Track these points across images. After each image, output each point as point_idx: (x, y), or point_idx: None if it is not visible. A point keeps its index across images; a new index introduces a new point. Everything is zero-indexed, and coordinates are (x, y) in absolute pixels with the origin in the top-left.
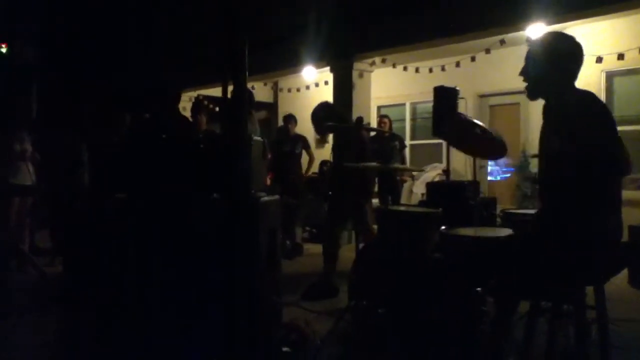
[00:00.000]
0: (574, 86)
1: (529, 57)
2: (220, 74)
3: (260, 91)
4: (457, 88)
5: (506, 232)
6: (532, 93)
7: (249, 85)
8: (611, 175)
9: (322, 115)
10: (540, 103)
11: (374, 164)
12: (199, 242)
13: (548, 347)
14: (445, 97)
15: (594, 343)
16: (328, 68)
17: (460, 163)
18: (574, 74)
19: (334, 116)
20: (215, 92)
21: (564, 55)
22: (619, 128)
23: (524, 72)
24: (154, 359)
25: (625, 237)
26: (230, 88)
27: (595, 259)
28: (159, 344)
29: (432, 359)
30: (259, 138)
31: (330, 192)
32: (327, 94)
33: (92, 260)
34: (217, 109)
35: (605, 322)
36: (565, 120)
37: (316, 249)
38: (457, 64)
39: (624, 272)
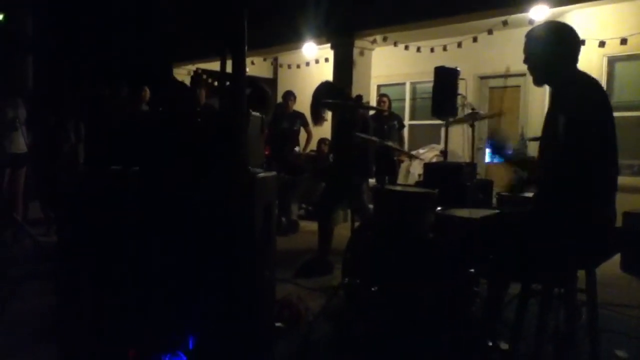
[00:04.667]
0: (576, 70)
1: (529, 47)
2: (219, 47)
3: (260, 66)
4: (458, 69)
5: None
6: (537, 80)
7: (249, 60)
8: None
9: (322, 96)
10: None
11: (372, 138)
12: (194, 217)
13: (538, 328)
14: (445, 77)
15: (584, 326)
16: (329, 45)
17: (458, 145)
18: (574, 58)
19: (335, 93)
20: (215, 66)
21: (561, 41)
22: (620, 114)
23: (526, 61)
24: (146, 331)
25: (618, 222)
26: (229, 62)
27: (588, 244)
28: (152, 316)
29: (424, 338)
30: (257, 114)
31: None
32: (327, 71)
33: (87, 232)
34: (216, 83)
35: (595, 306)
36: (566, 105)
37: (312, 226)
38: (459, 45)
39: (616, 257)
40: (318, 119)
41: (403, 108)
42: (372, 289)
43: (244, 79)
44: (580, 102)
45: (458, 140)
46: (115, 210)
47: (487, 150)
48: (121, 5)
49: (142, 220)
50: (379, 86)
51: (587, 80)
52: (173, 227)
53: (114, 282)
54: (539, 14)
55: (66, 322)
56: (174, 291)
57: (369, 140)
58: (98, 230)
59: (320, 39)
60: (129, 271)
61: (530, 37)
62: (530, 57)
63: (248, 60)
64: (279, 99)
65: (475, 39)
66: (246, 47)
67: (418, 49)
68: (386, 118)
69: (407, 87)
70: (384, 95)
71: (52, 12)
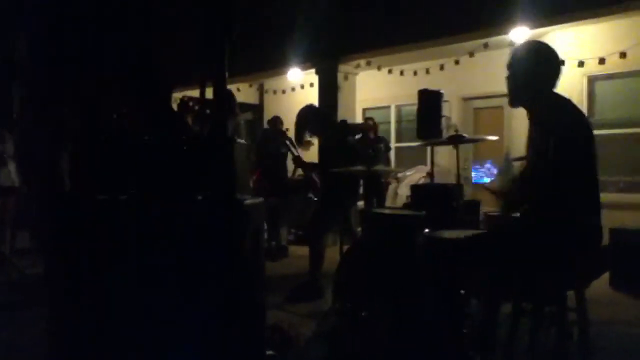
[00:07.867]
0: (553, 93)
1: (512, 64)
2: (200, 73)
3: (245, 92)
4: (441, 91)
5: None
6: (513, 100)
7: (234, 86)
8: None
9: (306, 121)
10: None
11: (359, 167)
12: (181, 245)
13: (530, 347)
14: (429, 99)
15: (575, 344)
16: (313, 70)
17: (445, 166)
18: (553, 81)
19: (320, 118)
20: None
21: (542, 61)
22: (601, 132)
23: (507, 78)
24: (137, 356)
25: (606, 239)
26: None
27: (576, 264)
28: (142, 342)
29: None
30: (242, 140)
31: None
32: (312, 96)
33: (75, 262)
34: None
35: (586, 324)
36: (545, 125)
37: (301, 250)
38: (442, 67)
39: (605, 274)
40: (302, 142)
41: (389, 131)
42: (363, 313)
43: (226, 104)
44: (559, 121)
45: (444, 162)
46: (102, 239)
47: (473, 173)
48: (108, 28)
49: (129, 248)
50: (364, 109)
51: (565, 101)
52: (160, 255)
53: (102, 311)
54: (519, 35)
55: (57, 349)
56: (163, 319)
57: (354, 169)
58: (85, 260)
59: (305, 64)
60: (116, 300)
61: (513, 55)
62: (511, 75)
63: (233, 87)
64: (265, 125)
65: (457, 62)
66: (227, 74)
67: (401, 72)
68: (372, 141)
69: (392, 110)
70: (370, 118)
71: (39, 38)
